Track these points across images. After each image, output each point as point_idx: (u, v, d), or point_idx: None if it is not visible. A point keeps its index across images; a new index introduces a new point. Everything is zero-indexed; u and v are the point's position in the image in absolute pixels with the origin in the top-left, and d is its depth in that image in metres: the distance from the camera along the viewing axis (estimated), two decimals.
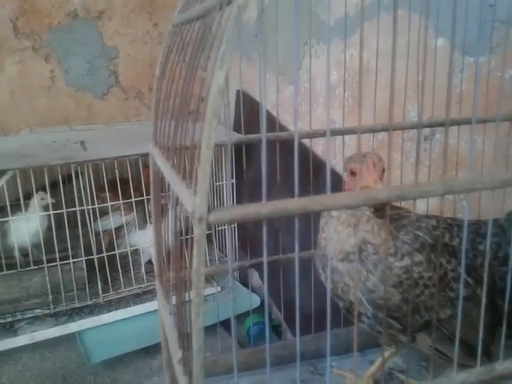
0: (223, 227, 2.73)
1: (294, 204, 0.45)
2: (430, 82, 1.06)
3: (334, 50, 1.74)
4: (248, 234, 2.55)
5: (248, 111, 2.59)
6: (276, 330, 2.52)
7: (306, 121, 1.83)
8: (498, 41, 1.10)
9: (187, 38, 0.63)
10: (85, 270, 2.42)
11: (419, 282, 0.78)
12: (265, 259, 0.47)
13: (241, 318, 2.52)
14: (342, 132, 0.91)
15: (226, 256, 2.88)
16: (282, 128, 2.24)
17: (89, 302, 2.45)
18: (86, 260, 2.41)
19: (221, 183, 2.76)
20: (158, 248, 0.78)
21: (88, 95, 3.42)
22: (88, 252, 2.41)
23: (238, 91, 2.83)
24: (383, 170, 0.78)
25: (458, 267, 0.80)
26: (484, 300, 0.59)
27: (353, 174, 0.80)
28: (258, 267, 2.10)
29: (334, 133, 0.91)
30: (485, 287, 0.59)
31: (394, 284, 0.78)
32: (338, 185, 0.93)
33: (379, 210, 0.82)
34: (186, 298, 0.52)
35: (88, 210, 2.36)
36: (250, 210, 0.44)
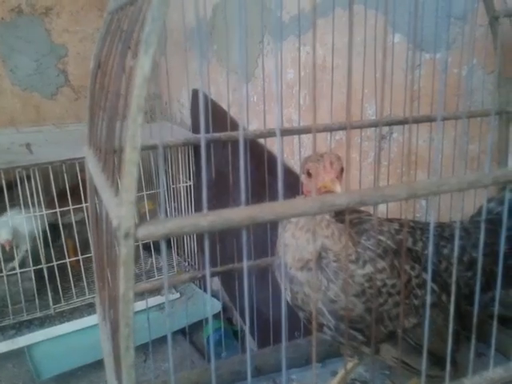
0: None
1: (240, 214, 0.38)
2: (387, 79, 1.03)
3: (290, 48, 1.69)
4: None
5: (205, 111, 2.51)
6: (237, 335, 2.46)
7: (262, 120, 1.77)
8: (455, 37, 1.07)
9: (120, 26, 0.56)
10: (33, 281, 2.28)
11: (382, 290, 0.73)
12: (207, 275, 0.40)
13: (201, 324, 2.43)
14: (297, 131, 0.85)
15: (184, 261, 2.79)
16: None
17: (39, 315, 2.32)
18: (34, 270, 2.27)
19: (178, 185, 2.66)
20: (97, 262, 0.70)
21: (36, 95, 3.25)
22: (36, 261, 2.27)
23: (193, 90, 2.75)
24: (342, 170, 0.72)
25: (423, 273, 0.76)
26: (452, 308, 0.54)
27: (309, 174, 0.75)
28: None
29: (288, 132, 0.85)
30: (453, 295, 0.55)
31: (356, 293, 0.73)
32: (295, 186, 0.88)
33: (339, 213, 0.77)
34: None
35: (35, 216, 2.23)
36: (187, 223, 0.37)
